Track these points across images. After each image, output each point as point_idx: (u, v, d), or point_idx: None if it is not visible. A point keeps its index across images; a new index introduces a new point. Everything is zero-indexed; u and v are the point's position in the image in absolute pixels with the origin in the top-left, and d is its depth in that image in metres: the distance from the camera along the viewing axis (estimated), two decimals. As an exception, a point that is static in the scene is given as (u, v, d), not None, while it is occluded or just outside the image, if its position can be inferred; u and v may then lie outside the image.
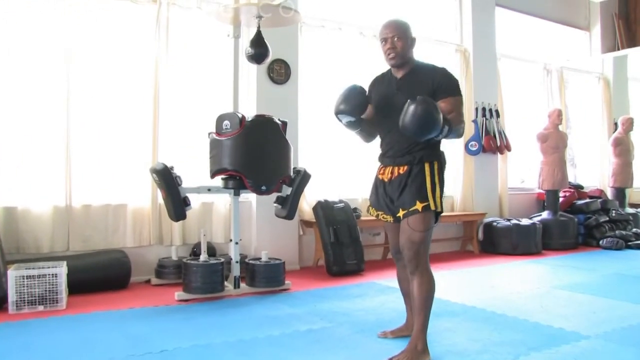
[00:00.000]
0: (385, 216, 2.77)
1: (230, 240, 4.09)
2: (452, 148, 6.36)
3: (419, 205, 2.55)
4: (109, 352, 2.69)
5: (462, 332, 3.04)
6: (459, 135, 2.61)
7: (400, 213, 2.61)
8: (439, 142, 2.66)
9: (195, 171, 4.44)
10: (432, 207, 2.57)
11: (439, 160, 2.66)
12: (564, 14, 8.00)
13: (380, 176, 2.78)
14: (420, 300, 2.59)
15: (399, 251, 2.79)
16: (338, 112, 2.67)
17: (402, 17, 2.76)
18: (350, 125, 2.72)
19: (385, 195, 2.71)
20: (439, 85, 2.58)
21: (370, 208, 2.86)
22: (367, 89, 2.82)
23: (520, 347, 2.78)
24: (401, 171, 2.63)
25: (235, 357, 2.64)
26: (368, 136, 2.86)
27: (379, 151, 2.82)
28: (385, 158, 2.74)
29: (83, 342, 2.87)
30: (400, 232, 2.65)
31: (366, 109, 2.73)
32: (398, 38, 2.63)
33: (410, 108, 2.36)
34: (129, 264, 4.24)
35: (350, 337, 2.96)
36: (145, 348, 2.76)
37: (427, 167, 2.60)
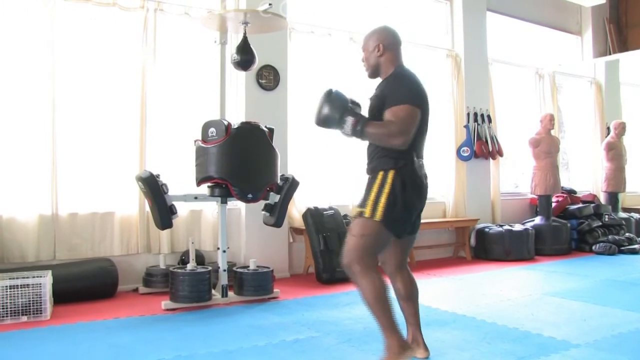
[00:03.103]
0: None
1: (218, 249, 4.04)
2: (444, 153, 6.37)
3: (356, 210, 2.53)
4: (89, 365, 2.65)
5: (450, 342, 3.00)
6: (383, 141, 2.45)
7: None
8: (401, 152, 2.46)
9: (183, 178, 4.39)
10: (366, 214, 2.44)
11: (397, 170, 2.47)
12: (555, 18, 8.01)
13: None
14: (366, 306, 2.44)
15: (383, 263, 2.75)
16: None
17: (382, 23, 2.71)
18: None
19: None
20: (385, 97, 2.49)
21: None
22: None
23: (509, 357, 2.74)
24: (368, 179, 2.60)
25: (218, 369, 2.60)
26: None
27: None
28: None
29: (64, 353, 2.82)
30: None
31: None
32: (364, 50, 2.67)
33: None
34: (116, 272, 4.19)
35: (337, 347, 2.92)
36: (127, 359, 2.71)
37: (380, 175, 2.49)
